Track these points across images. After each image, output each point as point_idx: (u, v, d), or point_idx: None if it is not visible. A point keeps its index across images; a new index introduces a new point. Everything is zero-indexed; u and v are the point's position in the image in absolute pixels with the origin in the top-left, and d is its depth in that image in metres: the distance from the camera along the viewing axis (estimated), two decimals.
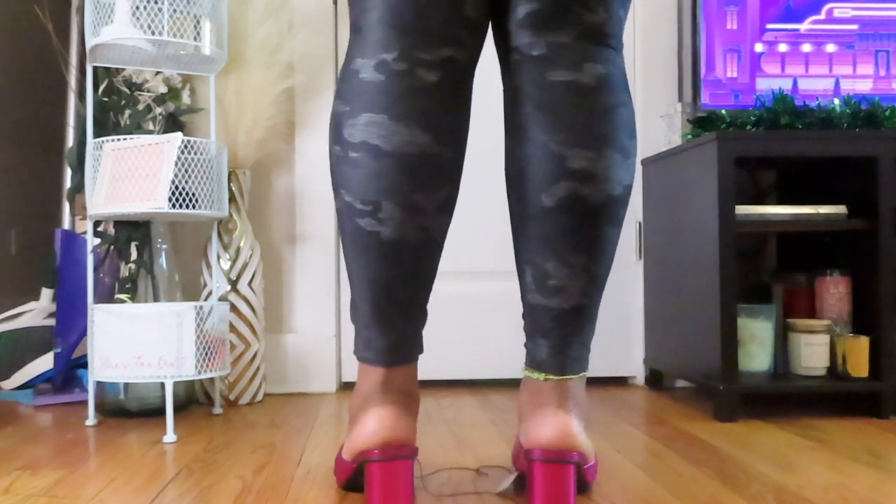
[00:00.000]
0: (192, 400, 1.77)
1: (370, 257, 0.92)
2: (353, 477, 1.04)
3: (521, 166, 0.96)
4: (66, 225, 2.08)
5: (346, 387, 2.01)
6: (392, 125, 0.89)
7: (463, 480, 1.13)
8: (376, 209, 0.90)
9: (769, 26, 1.76)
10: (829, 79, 1.76)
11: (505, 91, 1.01)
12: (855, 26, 1.75)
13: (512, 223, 1.01)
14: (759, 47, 1.76)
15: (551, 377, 0.97)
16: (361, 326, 0.96)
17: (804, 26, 1.75)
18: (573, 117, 0.93)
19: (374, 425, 0.94)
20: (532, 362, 0.99)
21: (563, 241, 0.94)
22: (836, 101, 1.69)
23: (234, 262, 1.76)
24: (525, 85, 0.95)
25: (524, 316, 1.01)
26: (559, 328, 0.96)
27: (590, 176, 0.92)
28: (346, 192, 0.91)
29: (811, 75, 1.76)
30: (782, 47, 1.75)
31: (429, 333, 1.99)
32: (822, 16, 1.74)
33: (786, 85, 1.76)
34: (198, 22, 1.56)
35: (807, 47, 1.75)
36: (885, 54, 1.75)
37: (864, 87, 1.76)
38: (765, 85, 1.76)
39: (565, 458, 0.92)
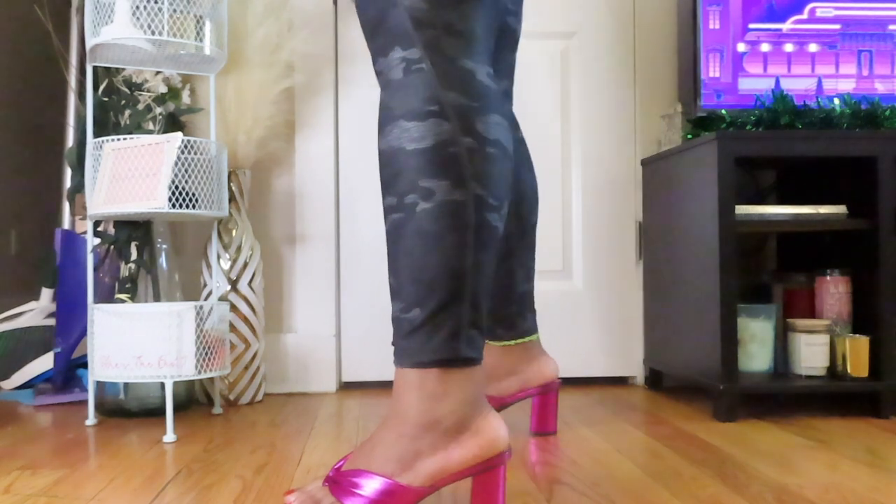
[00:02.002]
0: (192, 400, 1.77)
1: (491, 253, 0.93)
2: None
3: (520, 196, 1.37)
4: (66, 225, 2.08)
5: (346, 387, 2.01)
6: (511, 130, 0.99)
7: (462, 479, 1.13)
8: (501, 206, 0.94)
9: (752, 26, 1.76)
10: (811, 78, 1.76)
11: None
12: (838, 26, 1.75)
13: (506, 236, 1.37)
14: (741, 47, 1.76)
15: (537, 335, 1.44)
16: (463, 326, 0.91)
17: (787, 26, 1.75)
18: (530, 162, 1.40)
19: (500, 430, 0.92)
20: (522, 332, 1.41)
21: (534, 245, 1.43)
22: (836, 101, 1.69)
23: (234, 262, 1.76)
24: (514, 133, 1.35)
25: (512, 303, 1.40)
26: (532, 302, 1.44)
27: None
28: (478, 186, 0.92)
29: (794, 75, 1.76)
30: (765, 47, 1.75)
31: None
32: (805, 15, 1.74)
33: (768, 85, 1.76)
34: (198, 21, 1.56)
35: (789, 47, 1.75)
36: (867, 54, 1.75)
37: (846, 86, 1.77)
38: (747, 85, 1.76)
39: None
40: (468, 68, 0.94)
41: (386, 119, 0.94)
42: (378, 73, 0.98)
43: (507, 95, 1.38)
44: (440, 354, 0.90)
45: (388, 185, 0.93)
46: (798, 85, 1.77)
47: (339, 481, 0.92)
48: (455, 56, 0.93)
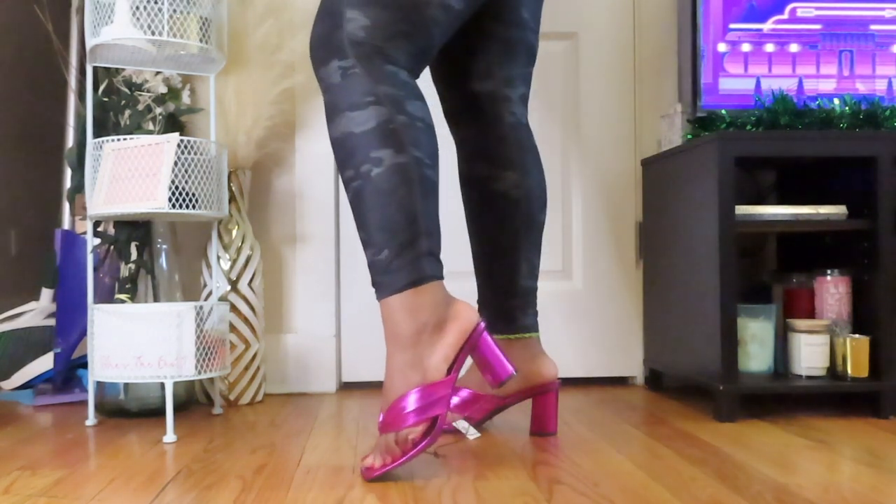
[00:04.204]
0: (192, 400, 1.77)
1: (434, 200, 1.19)
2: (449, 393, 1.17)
3: (527, 193, 1.43)
4: (66, 225, 2.08)
5: (346, 387, 2.01)
6: (427, 109, 1.22)
7: (462, 479, 1.13)
8: (434, 164, 1.20)
9: (732, 26, 1.75)
10: (792, 79, 1.75)
11: (492, 134, 1.44)
12: (818, 26, 1.74)
13: (508, 232, 1.43)
14: (722, 47, 1.76)
15: (537, 334, 1.45)
16: (423, 254, 1.16)
17: (767, 26, 1.75)
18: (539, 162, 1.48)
19: (469, 309, 1.20)
20: (522, 327, 1.44)
21: (540, 244, 1.47)
22: (836, 102, 1.69)
23: (234, 262, 1.76)
24: (524, 137, 1.45)
25: (514, 297, 1.44)
26: (535, 300, 1.46)
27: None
28: (415, 149, 1.17)
29: (774, 75, 1.76)
30: (745, 47, 1.74)
31: None
32: (786, 15, 1.74)
33: (748, 85, 1.76)
34: (198, 21, 1.56)
35: (770, 47, 1.74)
36: (848, 54, 1.75)
37: (827, 86, 1.76)
38: (728, 85, 1.76)
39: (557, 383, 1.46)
40: (392, 70, 1.19)
41: (333, 113, 1.18)
42: (320, 80, 1.22)
43: (524, 102, 1.47)
44: (411, 277, 1.15)
45: (344, 163, 1.18)
46: (779, 85, 1.76)
47: (388, 420, 1.14)
48: (381, 64, 1.19)
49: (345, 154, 1.17)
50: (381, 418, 1.16)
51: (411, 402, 1.12)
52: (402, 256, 1.15)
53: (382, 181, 1.15)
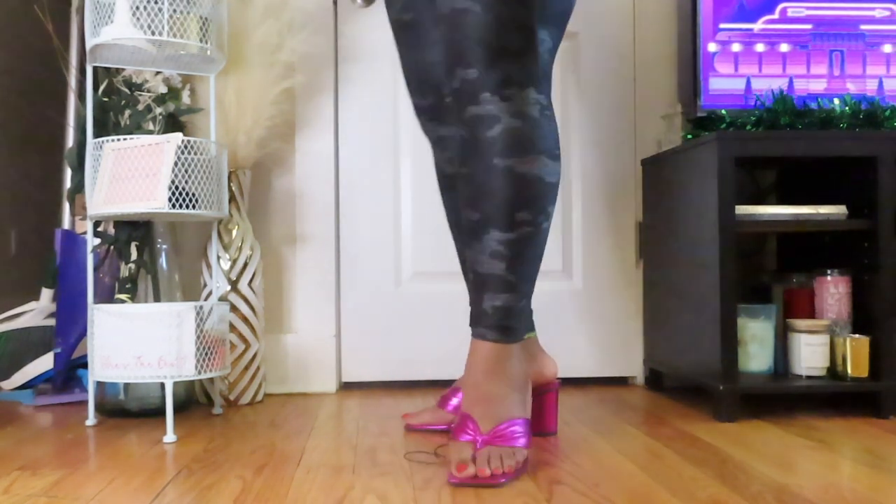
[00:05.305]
0: (192, 400, 1.77)
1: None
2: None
3: None
4: (66, 225, 2.08)
5: (346, 387, 2.01)
6: None
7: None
8: None
9: (722, 26, 1.75)
10: (782, 79, 1.75)
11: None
12: (809, 26, 1.74)
13: None
14: (712, 47, 1.76)
15: (534, 333, 1.44)
16: (526, 309, 1.26)
17: (758, 26, 1.75)
18: None
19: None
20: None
21: None
22: (836, 102, 1.69)
23: (234, 262, 1.76)
24: None
25: None
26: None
27: None
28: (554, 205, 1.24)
29: (765, 75, 1.76)
30: (736, 47, 1.74)
31: (432, 333, 1.99)
32: (776, 15, 1.74)
33: (739, 85, 1.76)
34: (198, 21, 1.56)
35: (760, 47, 1.74)
36: (839, 54, 1.75)
37: (817, 87, 1.76)
38: (718, 85, 1.76)
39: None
40: (547, 103, 1.22)
41: (527, 148, 1.17)
42: (503, 97, 1.15)
43: None
44: (529, 328, 1.37)
45: (523, 203, 1.17)
46: (769, 85, 1.76)
47: (500, 433, 1.17)
48: (553, 110, 1.24)
49: (528, 196, 1.18)
50: (486, 431, 1.16)
51: (522, 430, 1.18)
52: (527, 306, 1.28)
53: (545, 236, 1.22)
